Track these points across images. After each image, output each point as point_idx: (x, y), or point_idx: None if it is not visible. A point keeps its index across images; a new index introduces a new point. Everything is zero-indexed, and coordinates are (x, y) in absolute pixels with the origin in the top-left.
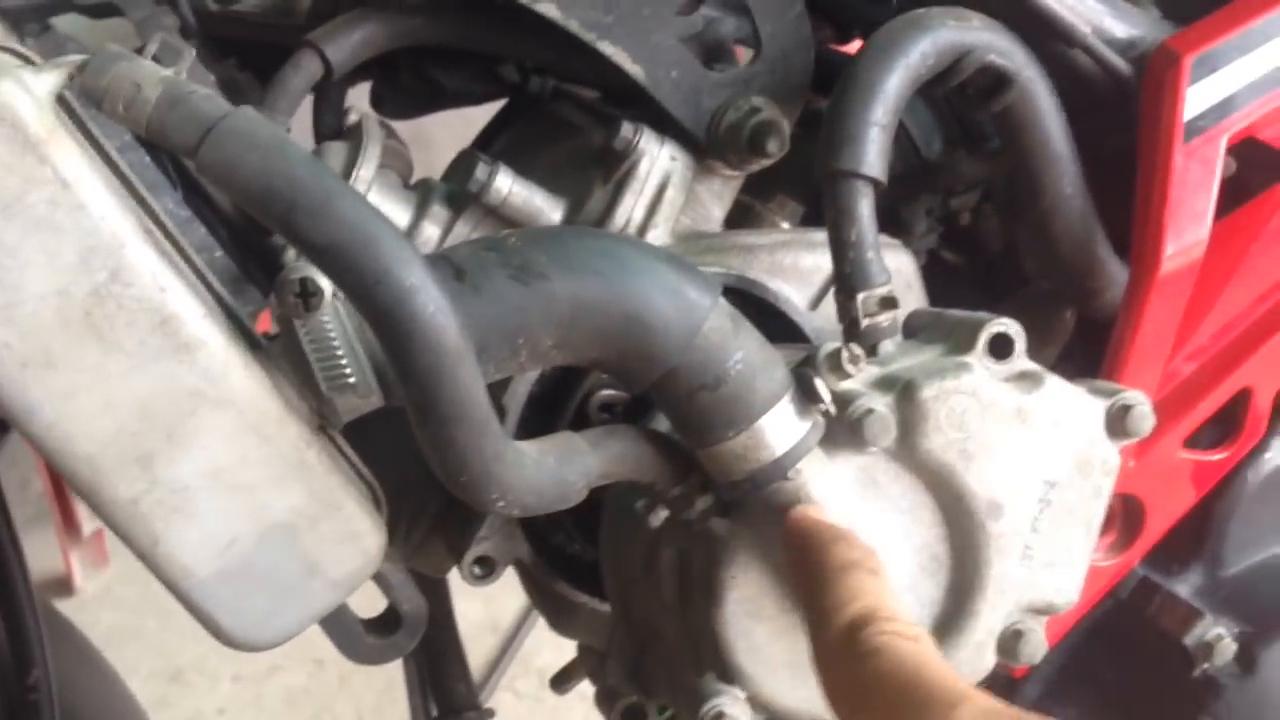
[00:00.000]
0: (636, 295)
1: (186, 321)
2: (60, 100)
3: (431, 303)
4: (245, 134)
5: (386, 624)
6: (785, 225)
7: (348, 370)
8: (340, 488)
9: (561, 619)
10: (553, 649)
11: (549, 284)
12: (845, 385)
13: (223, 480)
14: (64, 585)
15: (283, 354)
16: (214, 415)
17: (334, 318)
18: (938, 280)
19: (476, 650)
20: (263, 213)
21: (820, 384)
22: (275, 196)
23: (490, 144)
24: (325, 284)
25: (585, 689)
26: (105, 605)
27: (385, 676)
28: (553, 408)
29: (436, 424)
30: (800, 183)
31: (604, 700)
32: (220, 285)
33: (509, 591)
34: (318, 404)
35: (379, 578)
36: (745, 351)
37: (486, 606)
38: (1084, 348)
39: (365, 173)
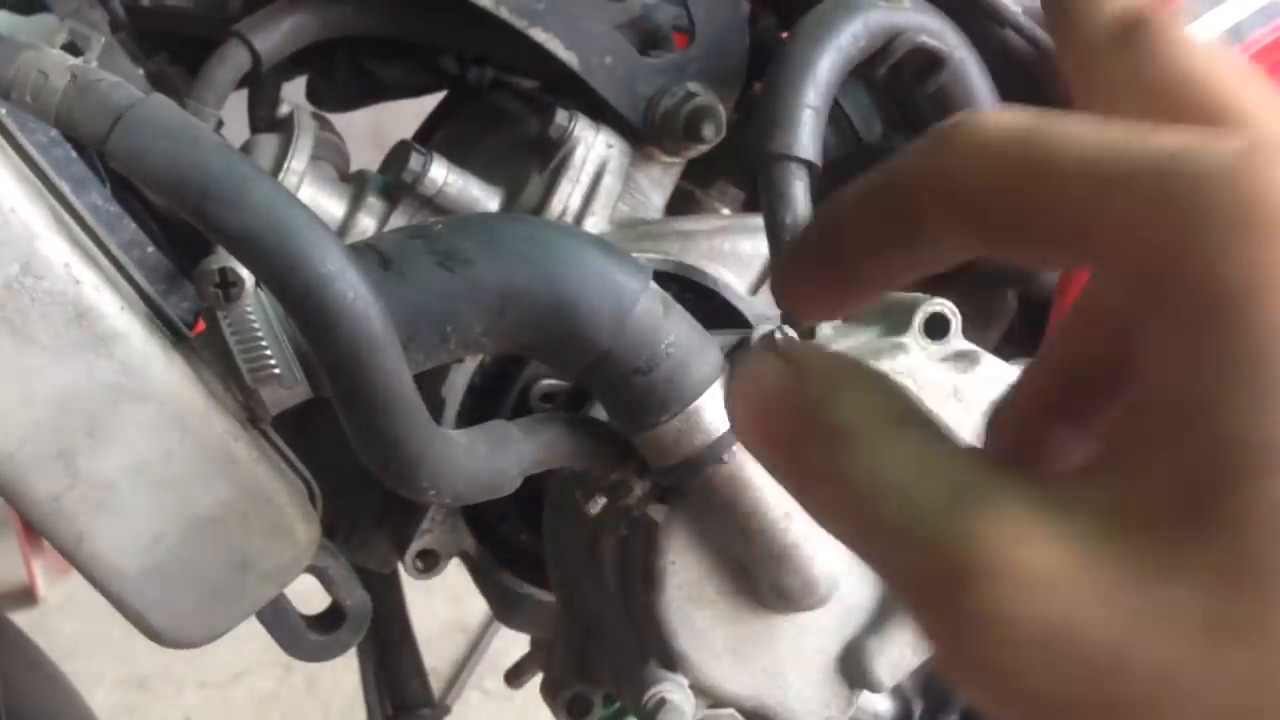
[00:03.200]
0: (565, 280)
1: (104, 314)
2: None
3: (351, 289)
4: (155, 121)
5: (330, 620)
6: (726, 211)
7: (272, 361)
8: (270, 481)
9: (509, 611)
10: (521, 648)
11: (476, 270)
12: None
13: (147, 475)
14: (27, 594)
15: (206, 346)
16: (135, 409)
17: (257, 308)
18: None
19: (445, 649)
20: (175, 202)
21: None
22: (187, 185)
23: (430, 136)
24: (246, 274)
25: None
26: (69, 614)
27: (353, 680)
28: (492, 399)
29: (362, 413)
30: (741, 169)
31: (549, 690)
32: (145, 279)
33: (475, 593)
34: (244, 396)
35: (320, 573)
36: (677, 335)
37: (455, 606)
38: (1026, 328)
39: (297, 164)
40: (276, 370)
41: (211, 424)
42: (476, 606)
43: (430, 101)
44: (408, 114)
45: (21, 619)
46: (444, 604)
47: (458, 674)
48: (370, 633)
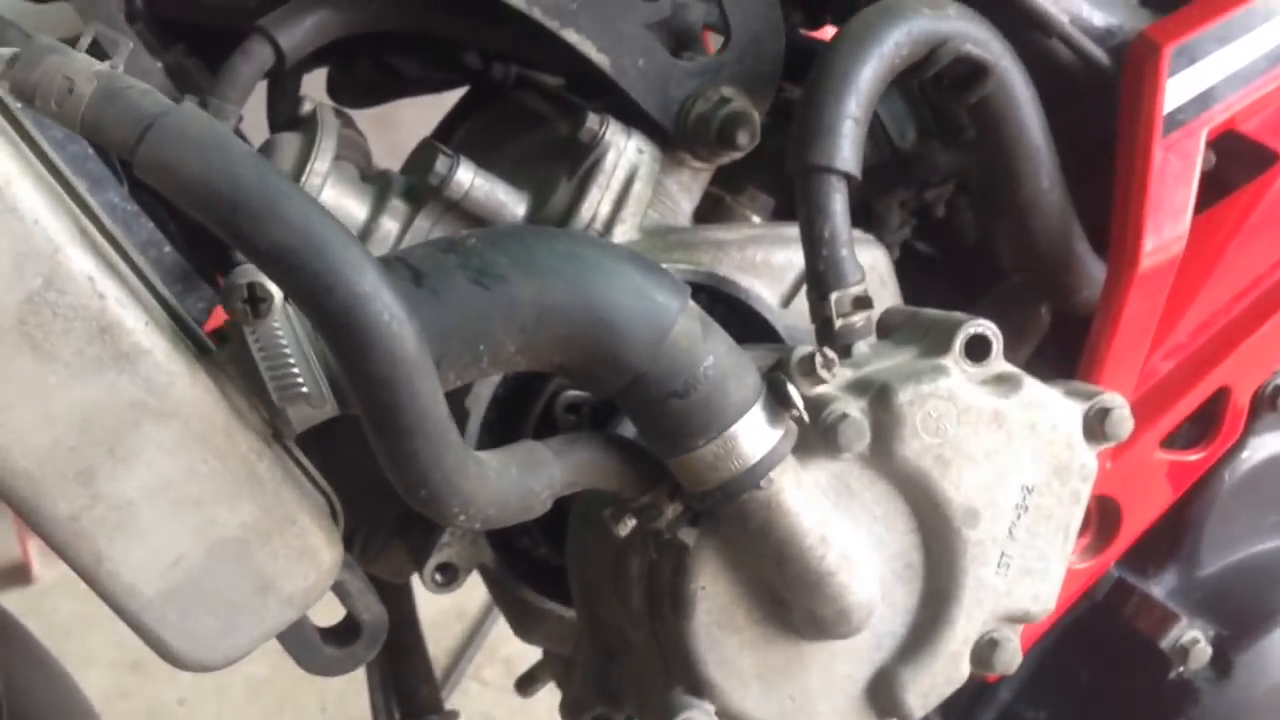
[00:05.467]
0: (602, 299)
1: (127, 329)
2: None
3: (386, 310)
4: (185, 132)
5: (345, 633)
6: (756, 219)
7: (300, 379)
8: (294, 501)
9: (527, 625)
10: (519, 639)
11: (511, 288)
12: (819, 390)
13: (168, 495)
14: (22, 573)
15: (231, 362)
16: (158, 427)
17: (285, 324)
18: (912, 272)
19: (443, 639)
20: (205, 216)
21: (793, 389)
22: (217, 198)
23: (451, 134)
24: (275, 289)
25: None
26: (64, 594)
27: None
28: (517, 409)
29: (394, 436)
30: (772, 175)
31: (570, 711)
32: (166, 286)
33: (476, 580)
34: (269, 414)
35: (337, 586)
36: (716, 356)
37: (453, 595)
38: (1058, 345)
39: (320, 165)
40: (304, 389)
41: (236, 443)
42: (475, 595)
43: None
44: (413, 102)
45: (16, 598)
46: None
47: (455, 664)
48: None
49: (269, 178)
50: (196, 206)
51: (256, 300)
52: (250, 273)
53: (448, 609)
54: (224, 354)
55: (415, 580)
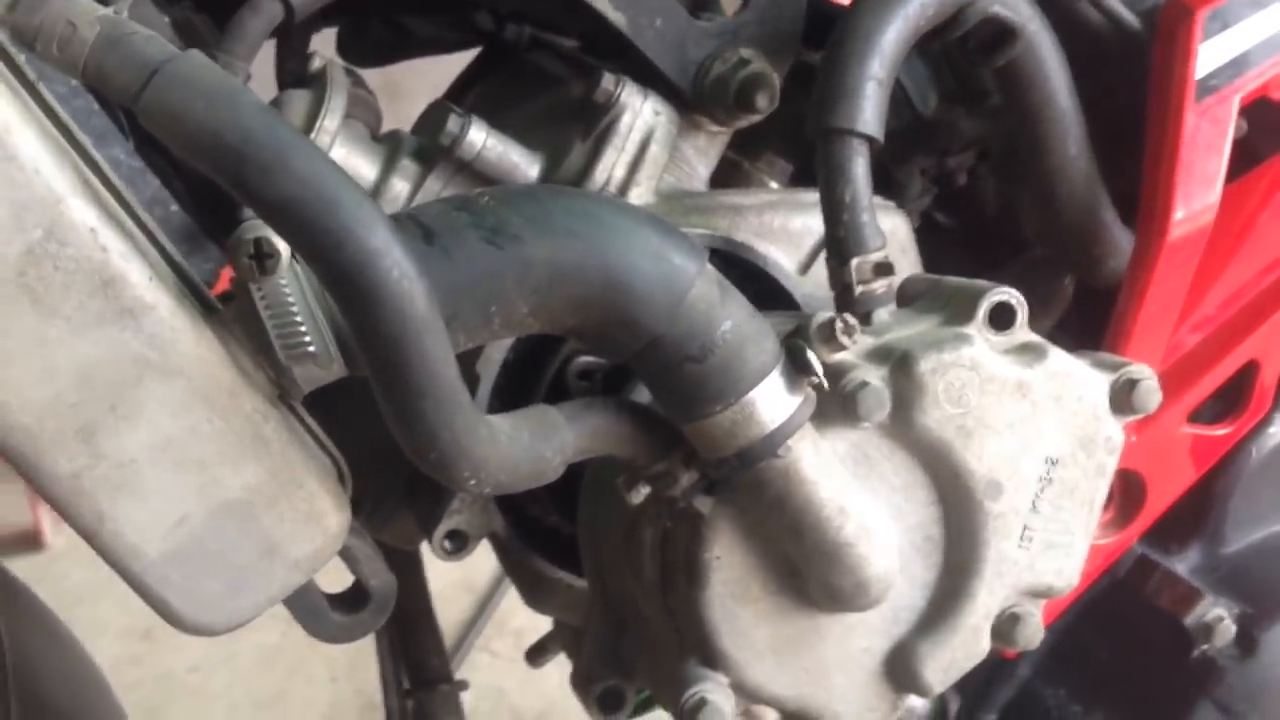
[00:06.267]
0: (618, 260)
1: (130, 284)
2: None
3: (396, 267)
4: (191, 80)
5: (353, 600)
6: (774, 185)
7: (307, 338)
8: (300, 463)
9: (537, 595)
10: (529, 610)
11: (524, 247)
12: (838, 357)
13: (172, 454)
14: (33, 540)
15: (237, 320)
16: (161, 385)
17: (292, 281)
18: (930, 244)
19: (452, 610)
20: (210, 167)
21: (812, 356)
22: (224, 149)
23: (463, 95)
24: (282, 244)
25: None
26: (76, 561)
27: None
28: (529, 374)
29: (403, 397)
30: (790, 140)
31: (580, 682)
32: (172, 243)
33: (485, 551)
34: (275, 373)
35: (345, 552)
36: (734, 321)
37: (462, 567)
38: (1081, 317)
39: (329, 123)
40: (312, 348)
41: (241, 402)
42: (484, 566)
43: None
44: (423, 63)
45: (28, 565)
46: (451, 565)
47: (465, 635)
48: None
49: (279, 129)
50: (203, 157)
51: (263, 256)
52: (257, 227)
53: (457, 581)
54: (230, 312)
55: (426, 550)
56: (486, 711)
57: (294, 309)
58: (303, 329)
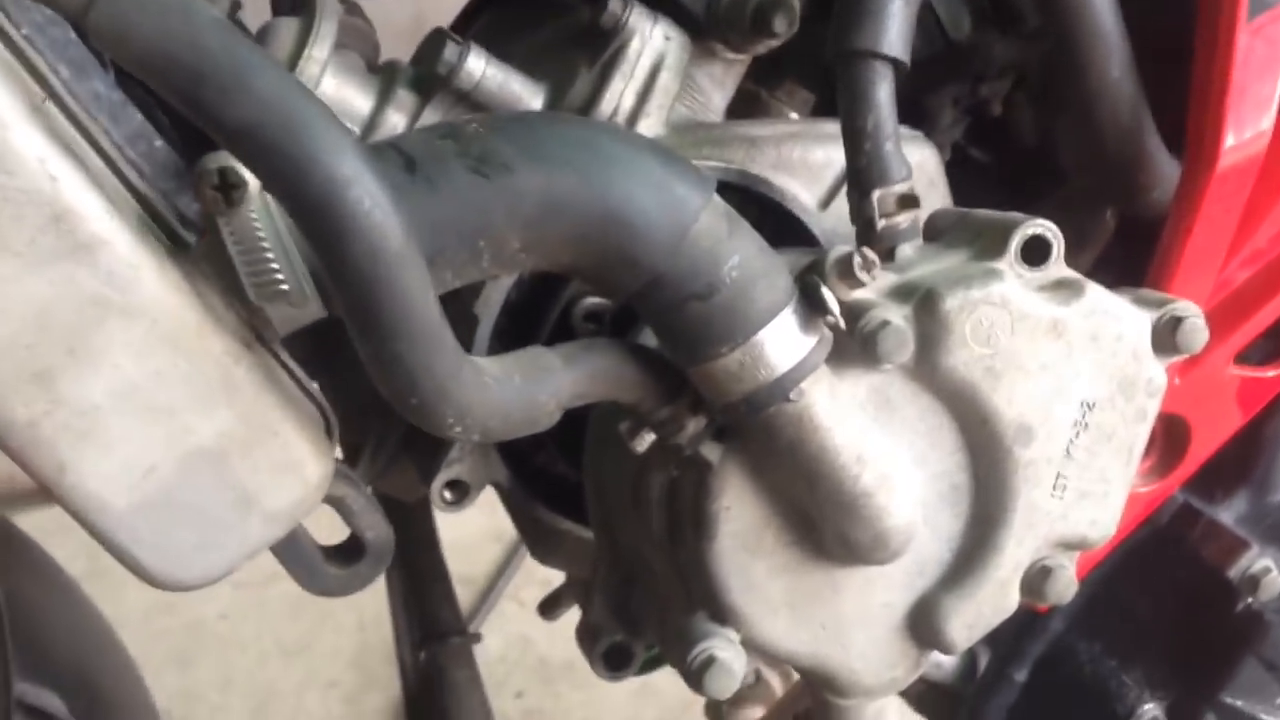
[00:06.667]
0: (616, 191)
1: (85, 217)
2: None
3: (368, 197)
4: None
5: (349, 553)
6: (794, 115)
7: (279, 275)
8: (276, 409)
9: (543, 547)
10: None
11: (514, 178)
12: (857, 295)
13: (137, 400)
14: None
15: (206, 257)
16: (123, 326)
17: (263, 214)
18: (962, 180)
19: (480, 560)
20: (165, 88)
21: (828, 293)
22: (178, 68)
23: (469, 26)
24: (250, 174)
25: None
26: None
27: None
28: (532, 316)
29: (379, 339)
30: (812, 68)
31: (585, 638)
32: (158, 182)
33: None
34: (248, 314)
35: (339, 504)
36: (742, 256)
37: (491, 516)
38: (1124, 252)
39: (318, 52)
40: (284, 286)
41: (209, 345)
42: None
43: None
44: (450, 6)
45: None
46: (479, 514)
47: (492, 586)
48: (399, 561)
49: (239, 47)
50: (156, 78)
51: (229, 187)
52: (223, 156)
53: (486, 530)
54: (199, 249)
55: None
56: (514, 660)
57: (264, 244)
58: (274, 265)
